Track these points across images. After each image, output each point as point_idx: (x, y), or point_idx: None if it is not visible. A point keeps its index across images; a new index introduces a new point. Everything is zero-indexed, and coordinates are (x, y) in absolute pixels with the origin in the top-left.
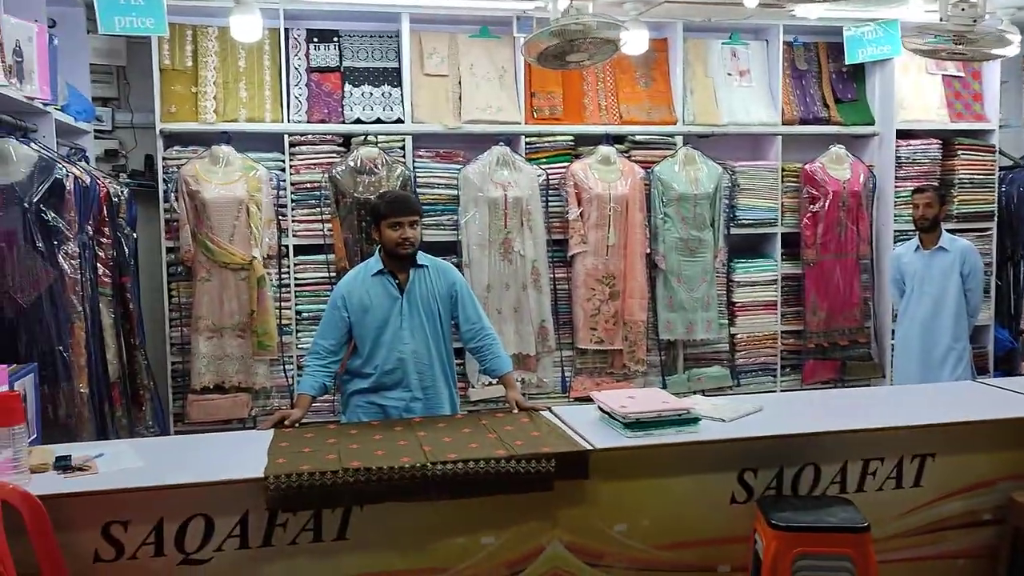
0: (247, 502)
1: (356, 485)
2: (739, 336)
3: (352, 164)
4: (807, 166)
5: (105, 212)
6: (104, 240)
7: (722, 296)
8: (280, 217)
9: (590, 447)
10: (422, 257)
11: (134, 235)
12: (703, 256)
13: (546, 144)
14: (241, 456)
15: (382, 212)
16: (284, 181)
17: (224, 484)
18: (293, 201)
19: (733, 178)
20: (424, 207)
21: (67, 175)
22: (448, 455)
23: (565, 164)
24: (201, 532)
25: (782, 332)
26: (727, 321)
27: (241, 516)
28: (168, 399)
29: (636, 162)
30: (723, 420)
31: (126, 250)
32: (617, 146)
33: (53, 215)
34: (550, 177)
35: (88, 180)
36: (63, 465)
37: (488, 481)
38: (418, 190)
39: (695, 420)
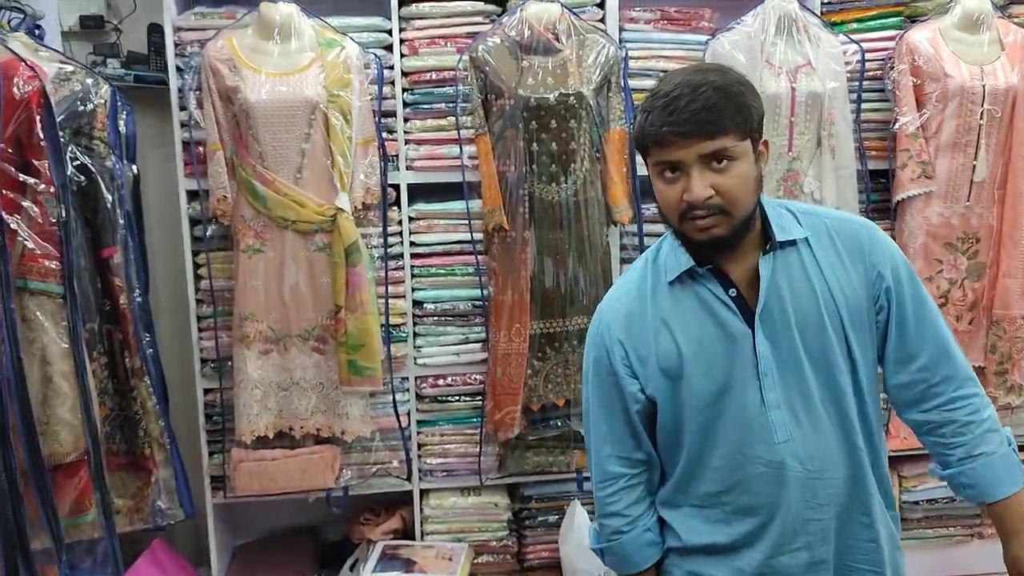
0: None
1: None
2: None
3: (513, 35)
4: None
5: (40, 126)
6: (40, 185)
7: None
8: (386, 136)
9: None
10: (782, 223)
11: (131, 169)
12: None
13: None
14: None
15: (640, 133)
16: (392, 69)
17: None
18: (408, 105)
19: None
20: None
21: None
22: None
23: (894, 33)
24: None
25: None
26: None
27: None
28: (202, 457)
29: None
30: None
31: (108, 199)
32: None
33: None
34: (867, 55)
35: None
36: None
37: None
38: (631, 81)
39: None
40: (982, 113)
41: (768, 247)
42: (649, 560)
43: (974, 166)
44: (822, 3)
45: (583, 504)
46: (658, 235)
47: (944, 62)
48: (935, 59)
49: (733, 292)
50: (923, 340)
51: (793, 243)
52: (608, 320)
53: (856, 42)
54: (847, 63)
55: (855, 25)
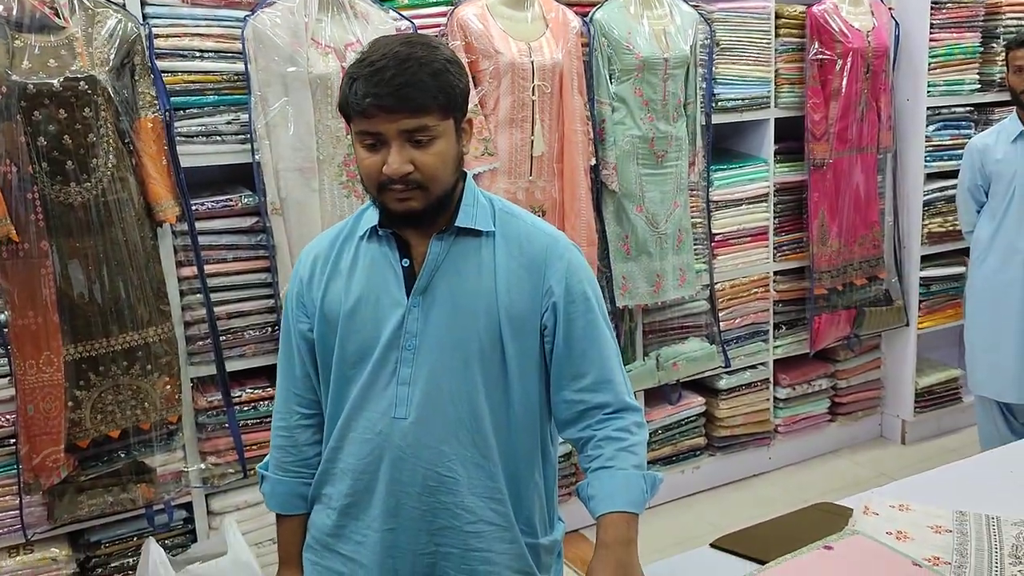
0: None
1: None
2: (722, 287)
3: None
4: (816, 9)
5: None
6: None
7: (698, 226)
8: None
9: None
10: (471, 211)
11: None
12: (674, 164)
13: None
14: None
15: (344, 101)
16: None
17: None
18: None
19: (712, 31)
20: (176, 99)
21: None
22: None
23: (445, 9)
24: None
25: (775, 273)
26: (705, 266)
27: None
28: None
29: (565, 4)
30: None
31: None
32: None
33: None
34: (421, 32)
35: None
36: None
37: None
38: (161, 64)
39: None
40: (533, 89)
41: (452, 231)
42: (293, 510)
43: (532, 141)
44: None
45: (158, 540)
46: (211, 232)
47: (494, 39)
48: (485, 36)
49: (406, 262)
50: (588, 362)
51: (478, 234)
52: (303, 258)
53: (408, 19)
54: None
55: (406, 1)
